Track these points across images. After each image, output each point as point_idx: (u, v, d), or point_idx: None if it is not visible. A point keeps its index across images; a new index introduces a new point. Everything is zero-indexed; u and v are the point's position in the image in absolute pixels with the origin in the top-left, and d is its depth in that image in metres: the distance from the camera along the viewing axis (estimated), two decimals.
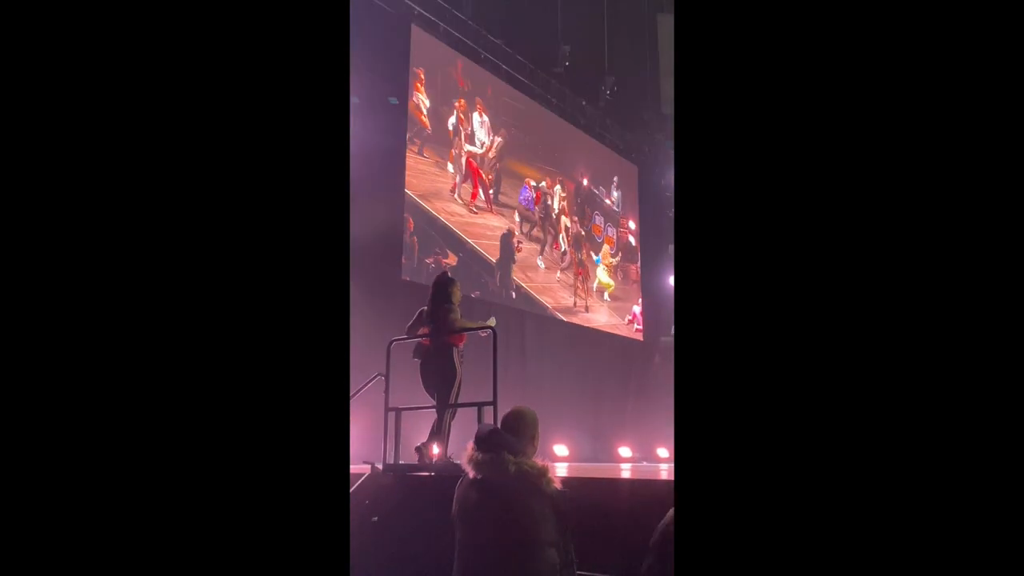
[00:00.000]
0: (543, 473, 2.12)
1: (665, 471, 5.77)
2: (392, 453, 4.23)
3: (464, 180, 8.56)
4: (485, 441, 2.19)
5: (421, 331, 4.37)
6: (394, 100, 7.69)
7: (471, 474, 2.18)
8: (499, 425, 2.31)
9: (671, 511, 1.78)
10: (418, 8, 8.08)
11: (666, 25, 10.79)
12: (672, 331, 11.39)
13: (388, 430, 4.23)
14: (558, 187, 10.04)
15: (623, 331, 11.01)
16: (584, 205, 10.62)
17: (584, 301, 10.23)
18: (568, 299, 9.89)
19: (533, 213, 9.56)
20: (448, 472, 3.54)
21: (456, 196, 8.38)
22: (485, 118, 9.02)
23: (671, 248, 11.62)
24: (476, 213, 8.63)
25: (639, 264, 11.68)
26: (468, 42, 8.74)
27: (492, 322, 4.37)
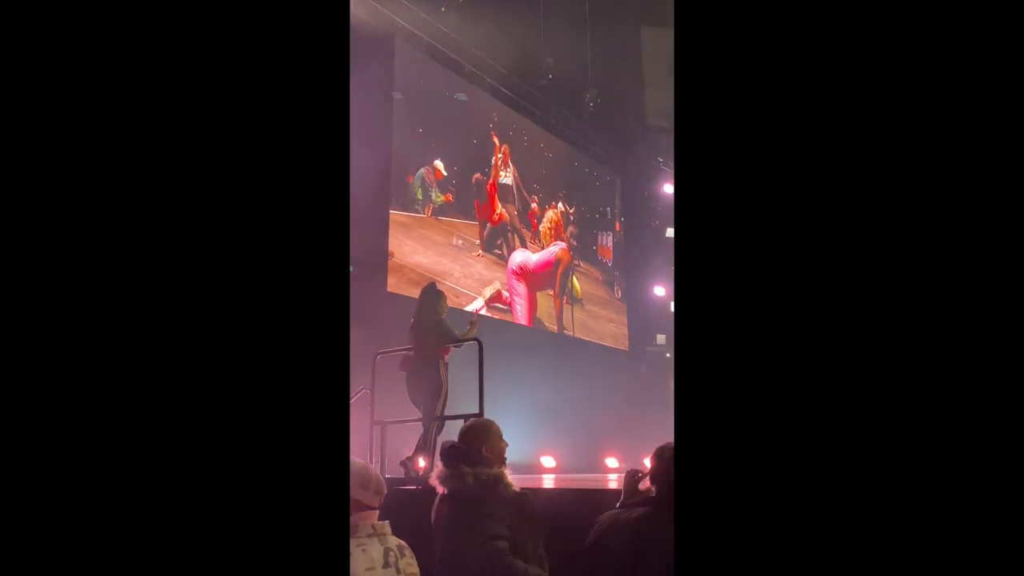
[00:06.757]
0: (499, 479, 2.24)
1: None
2: (378, 467, 4.20)
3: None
4: (445, 457, 2.33)
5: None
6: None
7: (439, 490, 2.31)
8: (457, 440, 2.40)
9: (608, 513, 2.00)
10: (402, 22, 8.10)
11: (649, 38, 10.88)
12: (657, 341, 11.44)
13: (374, 444, 4.21)
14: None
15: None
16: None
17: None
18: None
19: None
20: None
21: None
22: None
23: (655, 261, 11.70)
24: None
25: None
26: (452, 55, 8.77)
27: (474, 330, 4.37)
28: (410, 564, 2.03)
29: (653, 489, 2.13)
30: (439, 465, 2.34)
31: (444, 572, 2.19)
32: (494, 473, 2.24)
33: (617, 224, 11.71)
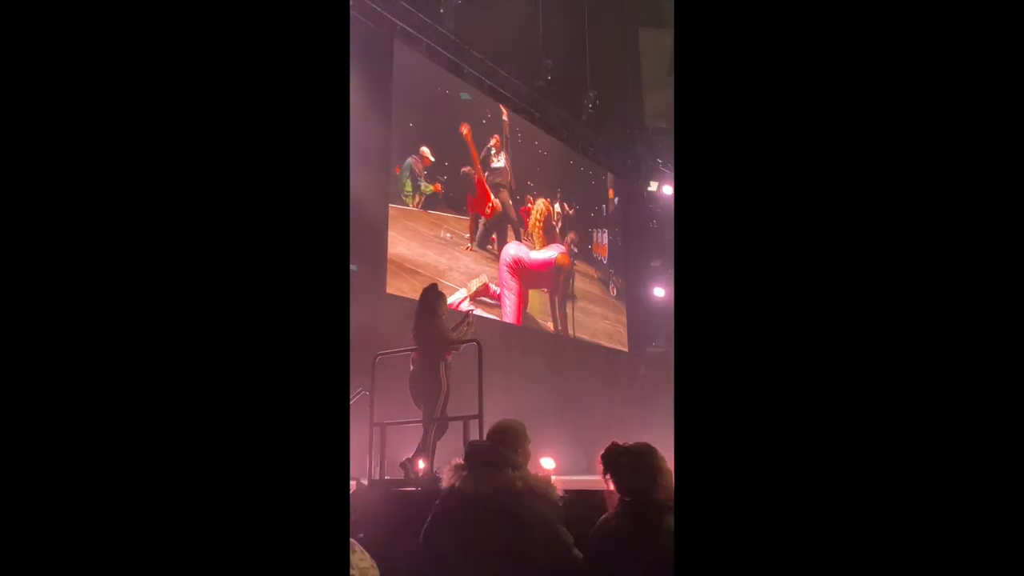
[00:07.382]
0: (548, 482, 2.18)
1: None
2: (377, 468, 4.20)
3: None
4: (482, 458, 2.21)
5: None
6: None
7: (468, 493, 2.17)
8: (485, 440, 2.33)
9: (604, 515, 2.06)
10: (400, 23, 8.11)
11: (648, 39, 10.90)
12: (655, 343, 11.44)
13: (373, 445, 4.20)
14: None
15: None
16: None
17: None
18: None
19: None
20: (434, 487, 3.52)
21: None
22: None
23: (655, 262, 11.69)
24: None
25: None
26: (451, 57, 8.78)
27: (471, 330, 4.37)
28: (362, 559, 2.03)
29: (615, 494, 2.14)
30: (462, 467, 2.22)
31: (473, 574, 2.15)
32: (543, 477, 2.19)
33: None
